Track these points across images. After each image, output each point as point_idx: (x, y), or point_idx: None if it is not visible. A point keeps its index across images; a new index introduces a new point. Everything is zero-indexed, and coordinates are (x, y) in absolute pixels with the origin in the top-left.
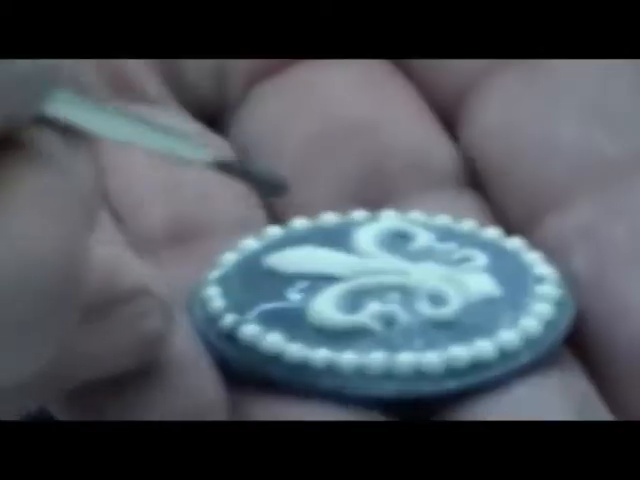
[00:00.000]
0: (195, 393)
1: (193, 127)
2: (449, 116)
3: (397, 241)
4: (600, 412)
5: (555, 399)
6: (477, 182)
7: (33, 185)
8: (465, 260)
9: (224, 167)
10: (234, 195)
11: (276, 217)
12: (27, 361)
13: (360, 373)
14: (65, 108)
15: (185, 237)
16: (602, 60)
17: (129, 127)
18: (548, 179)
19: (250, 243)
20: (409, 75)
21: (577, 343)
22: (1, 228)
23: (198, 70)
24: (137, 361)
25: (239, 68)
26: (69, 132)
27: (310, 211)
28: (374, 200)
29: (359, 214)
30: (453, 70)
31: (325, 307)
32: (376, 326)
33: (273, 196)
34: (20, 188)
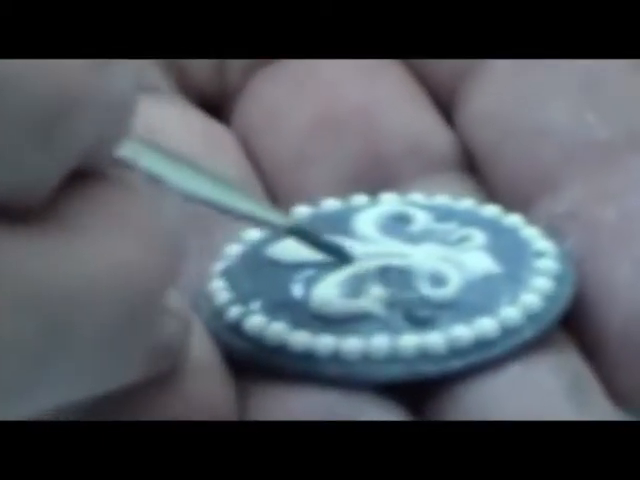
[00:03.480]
0: (205, 396)
1: (199, 116)
2: (444, 101)
3: (397, 224)
4: (592, 391)
5: (547, 377)
6: (473, 166)
7: (124, 208)
8: (464, 239)
9: (298, 233)
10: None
11: (279, 204)
12: (109, 378)
13: (365, 358)
14: (139, 154)
15: (189, 229)
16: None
17: (205, 183)
18: (540, 162)
19: (253, 234)
20: (405, 61)
21: (572, 324)
22: (93, 246)
23: (198, 59)
24: (154, 370)
25: None
26: (149, 176)
27: (311, 197)
28: (374, 185)
29: (360, 199)
30: None
31: (327, 294)
32: (378, 310)
33: (339, 262)
34: (112, 210)
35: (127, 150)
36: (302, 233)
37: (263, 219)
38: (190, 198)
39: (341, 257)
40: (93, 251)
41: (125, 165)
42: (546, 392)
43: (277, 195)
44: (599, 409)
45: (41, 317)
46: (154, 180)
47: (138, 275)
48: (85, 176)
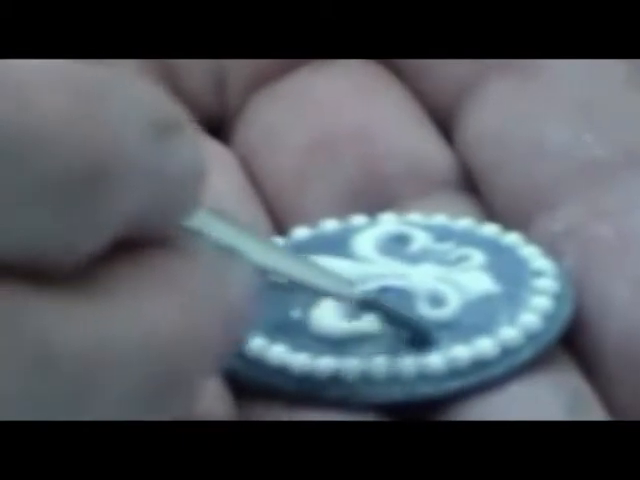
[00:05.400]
0: (206, 413)
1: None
2: (444, 121)
3: (396, 244)
4: (592, 408)
5: (547, 396)
6: (473, 186)
7: (173, 276)
8: (462, 259)
9: (368, 305)
10: (238, 203)
11: (279, 224)
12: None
13: (365, 380)
14: (208, 225)
15: None
16: (591, 63)
17: (274, 254)
18: (538, 181)
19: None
20: (405, 81)
21: (571, 341)
22: (124, 312)
23: (197, 79)
24: None
25: (238, 76)
26: (221, 247)
27: (311, 218)
28: (373, 205)
29: (359, 219)
30: (447, 76)
31: (327, 316)
32: (377, 331)
33: (413, 336)
34: (157, 278)
35: (196, 220)
36: (374, 306)
37: (335, 292)
38: (261, 270)
39: (414, 329)
40: (123, 317)
41: (193, 235)
42: (545, 410)
43: (277, 214)
44: None
45: (61, 379)
46: (223, 251)
47: (173, 343)
48: (141, 244)
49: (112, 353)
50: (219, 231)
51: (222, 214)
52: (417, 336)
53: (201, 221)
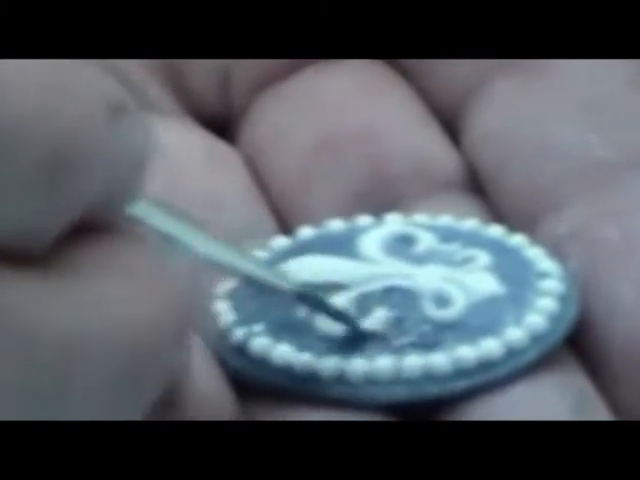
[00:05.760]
0: (210, 413)
1: (204, 136)
2: (450, 122)
3: (401, 245)
4: (597, 410)
5: (552, 397)
6: (479, 186)
7: (128, 260)
8: (468, 260)
9: (303, 297)
10: (243, 202)
11: (284, 224)
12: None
13: (369, 380)
14: (150, 214)
15: None
16: (596, 64)
17: (215, 245)
18: (543, 182)
19: (258, 255)
20: (410, 81)
21: (576, 342)
22: (91, 295)
23: (203, 79)
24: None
25: (243, 76)
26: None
27: (316, 218)
28: (379, 206)
29: (364, 220)
30: (453, 76)
31: None
32: (383, 331)
33: (352, 331)
34: (115, 262)
35: (137, 209)
36: (309, 299)
37: (271, 283)
38: (200, 259)
39: (346, 322)
40: (90, 300)
41: (135, 223)
42: (551, 411)
43: (282, 214)
44: None
45: (33, 363)
46: (164, 239)
47: (137, 327)
48: (92, 229)
49: (80, 336)
50: (158, 220)
51: (161, 204)
52: (356, 332)
53: (141, 210)
